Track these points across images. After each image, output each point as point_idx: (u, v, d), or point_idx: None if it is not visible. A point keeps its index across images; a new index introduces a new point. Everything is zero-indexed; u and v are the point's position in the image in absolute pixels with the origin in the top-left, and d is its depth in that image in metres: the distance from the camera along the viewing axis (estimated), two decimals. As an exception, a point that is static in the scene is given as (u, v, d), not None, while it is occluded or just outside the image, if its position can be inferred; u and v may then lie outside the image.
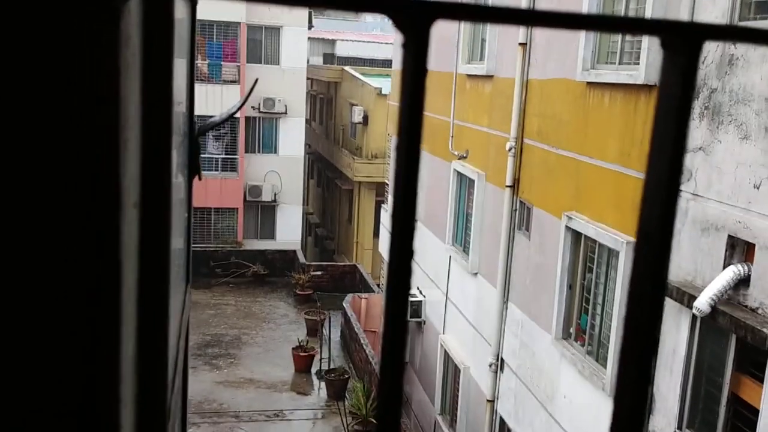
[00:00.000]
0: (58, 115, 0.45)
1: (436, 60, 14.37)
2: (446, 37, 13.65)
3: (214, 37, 26.02)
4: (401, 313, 0.45)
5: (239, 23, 25.80)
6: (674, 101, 0.44)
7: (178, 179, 1.26)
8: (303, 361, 18.01)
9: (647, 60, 7.51)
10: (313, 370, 18.06)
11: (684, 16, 6.99)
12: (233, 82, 25.90)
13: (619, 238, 7.93)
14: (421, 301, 14.79)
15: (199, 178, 1.61)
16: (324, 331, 18.77)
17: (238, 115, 25.78)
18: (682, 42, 0.44)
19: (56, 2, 0.43)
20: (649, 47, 7.50)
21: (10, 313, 0.48)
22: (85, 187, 0.47)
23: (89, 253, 0.48)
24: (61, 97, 0.45)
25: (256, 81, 3.14)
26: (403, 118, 0.42)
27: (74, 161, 0.46)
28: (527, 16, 0.46)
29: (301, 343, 18.30)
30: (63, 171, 0.46)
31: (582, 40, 8.80)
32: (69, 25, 0.43)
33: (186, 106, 1.44)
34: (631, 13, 8.20)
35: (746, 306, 6.17)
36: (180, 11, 1.10)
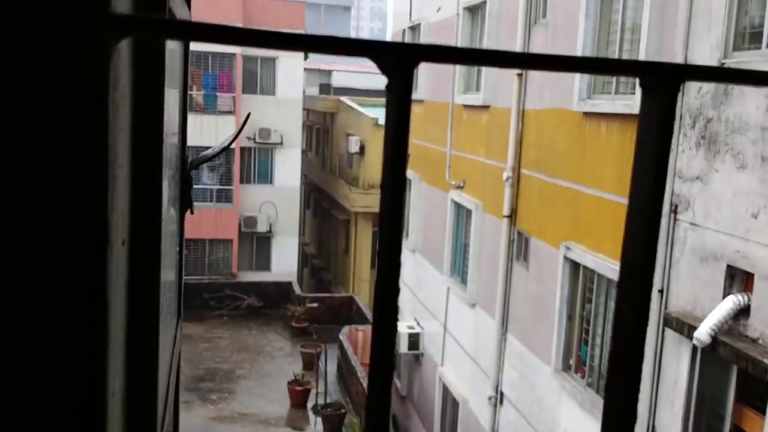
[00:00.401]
0: (45, 154, 0.43)
1: (432, 91, 14.46)
2: (442, 68, 13.75)
3: (210, 68, 26.20)
4: (389, 343, 0.44)
5: (235, 54, 26.01)
6: (653, 141, 0.45)
7: (169, 213, 1.22)
8: (299, 396, 17.80)
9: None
10: (309, 404, 17.84)
11: (678, 46, 7.04)
12: (229, 112, 26.01)
13: (617, 268, 7.88)
14: (418, 333, 14.68)
15: (191, 212, 1.57)
16: (320, 364, 18.59)
17: (233, 145, 25.85)
18: (660, 83, 0.44)
19: (46, 45, 0.41)
20: (644, 78, 7.54)
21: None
22: (72, 226, 0.44)
23: (75, 291, 0.45)
24: (50, 136, 0.43)
25: (248, 115, 3.13)
26: (388, 156, 0.43)
27: (61, 200, 0.44)
28: (509, 59, 0.48)
29: (297, 377, 18.10)
30: (50, 210, 0.44)
31: (577, 70, 8.84)
32: (59, 66, 0.42)
33: (178, 139, 1.41)
34: (626, 44, 8.27)
35: (747, 336, 6.11)
36: (172, 44, 1.07)
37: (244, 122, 2.50)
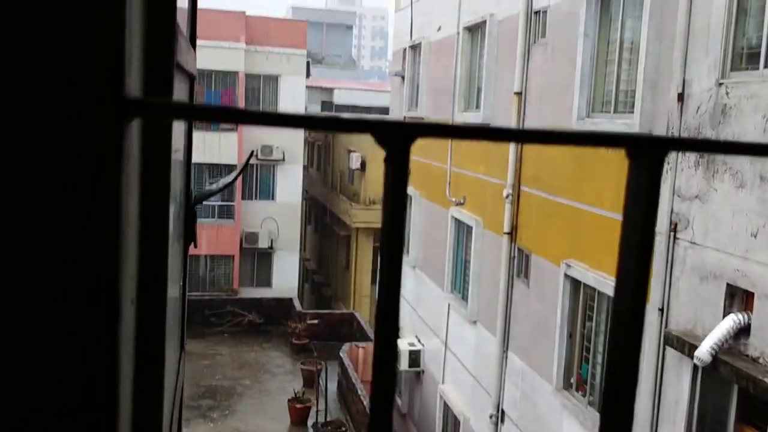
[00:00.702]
0: (62, 228, 0.46)
1: (433, 108, 14.53)
2: (443, 86, 13.83)
3: (213, 85, 26.33)
4: (391, 358, 0.47)
5: (237, 72, 26.13)
6: (640, 208, 0.47)
7: (174, 249, 1.26)
8: (299, 414, 17.72)
9: (642, 108, 7.59)
10: (310, 422, 17.75)
11: (677, 66, 7.09)
12: (231, 130, 26.10)
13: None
14: (419, 350, 14.65)
15: (195, 246, 1.60)
16: (320, 381, 18.53)
17: (235, 162, 25.91)
18: (646, 153, 0.47)
19: (63, 125, 0.44)
20: (643, 96, 7.59)
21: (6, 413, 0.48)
22: (86, 293, 0.47)
23: (87, 358, 0.48)
24: (64, 211, 0.46)
25: (252, 153, 3.18)
26: (386, 224, 0.45)
27: (73, 268, 0.46)
28: (502, 134, 0.51)
29: (297, 395, 18.03)
30: (62, 277, 0.47)
31: (577, 88, 8.91)
32: (76, 148, 0.45)
33: (183, 174, 1.44)
34: (625, 63, 8.32)
35: (747, 355, 6.12)
36: (178, 91, 1.11)
37: (248, 159, 2.54)
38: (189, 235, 1.48)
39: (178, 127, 1.26)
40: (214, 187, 2.52)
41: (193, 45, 1.61)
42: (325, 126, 0.49)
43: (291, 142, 27.29)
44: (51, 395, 0.47)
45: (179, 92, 1.19)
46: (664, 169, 7.22)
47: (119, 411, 0.48)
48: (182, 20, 1.40)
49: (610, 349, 0.55)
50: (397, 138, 0.46)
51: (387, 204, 0.47)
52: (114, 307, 0.47)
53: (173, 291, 1.22)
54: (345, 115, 0.51)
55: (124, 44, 0.44)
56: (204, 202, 27.89)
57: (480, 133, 0.54)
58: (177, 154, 1.25)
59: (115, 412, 0.47)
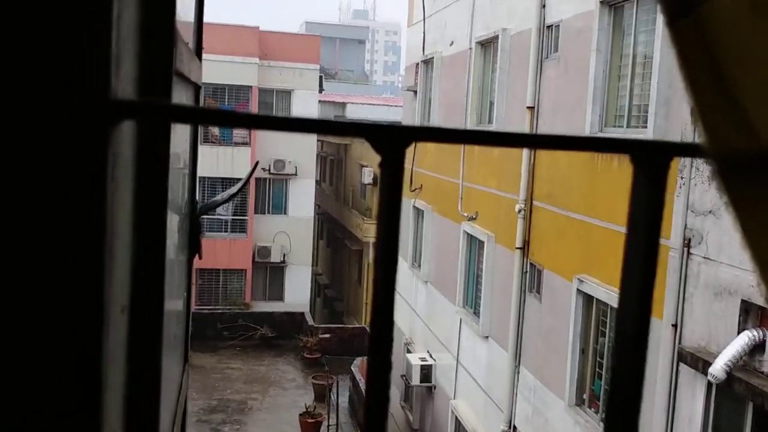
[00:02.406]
0: (42, 232, 0.45)
1: (445, 122, 14.54)
2: (455, 100, 13.85)
3: (226, 100, 26.50)
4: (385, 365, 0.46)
5: (251, 87, 26.30)
6: (644, 215, 0.46)
7: (178, 259, 1.25)
8: (310, 428, 17.65)
9: (655, 122, 7.56)
10: (321, 436, 17.68)
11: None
12: (244, 144, 26.24)
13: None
14: (431, 365, 14.57)
15: (200, 257, 1.59)
16: (332, 396, 18.46)
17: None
18: (650, 159, 0.46)
19: (44, 124, 0.43)
20: (656, 111, 7.56)
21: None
22: (69, 295, 0.46)
23: (70, 360, 0.47)
24: (44, 211, 0.45)
25: (257, 164, 3.19)
26: (381, 228, 0.46)
27: (55, 272, 0.45)
28: (498, 137, 0.51)
29: (309, 409, 17.97)
30: (43, 282, 0.46)
31: (590, 102, 8.89)
32: (58, 150, 0.44)
33: (188, 185, 1.43)
34: (638, 78, 8.30)
35: (762, 372, 6.03)
36: (183, 99, 1.10)
37: (253, 169, 2.55)
38: (194, 247, 1.48)
39: (182, 136, 1.25)
40: (218, 198, 2.52)
41: (199, 56, 1.62)
42: (318, 129, 0.49)
43: (303, 157, 27.38)
44: (26, 404, 0.46)
45: (181, 101, 1.18)
46: (678, 184, 7.19)
47: (102, 422, 0.47)
48: (187, 32, 1.40)
49: (613, 367, 0.53)
50: (391, 142, 0.45)
51: (382, 209, 0.47)
52: (98, 312, 0.46)
53: (175, 302, 1.21)
54: (339, 119, 0.50)
55: (110, 42, 0.43)
56: (216, 216, 28.01)
57: (476, 137, 0.53)
58: (180, 163, 1.24)
59: (98, 423, 0.46)
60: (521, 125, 10.79)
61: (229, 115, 0.46)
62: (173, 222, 1.02)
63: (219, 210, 26.68)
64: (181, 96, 1.07)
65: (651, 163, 0.47)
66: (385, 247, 0.46)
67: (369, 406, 0.44)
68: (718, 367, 6.13)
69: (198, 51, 1.59)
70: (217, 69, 24.58)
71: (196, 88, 1.41)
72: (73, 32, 0.42)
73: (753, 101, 0.45)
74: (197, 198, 1.65)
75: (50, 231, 0.44)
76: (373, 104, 38.24)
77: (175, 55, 0.77)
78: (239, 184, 2.30)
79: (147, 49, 0.65)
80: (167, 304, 0.85)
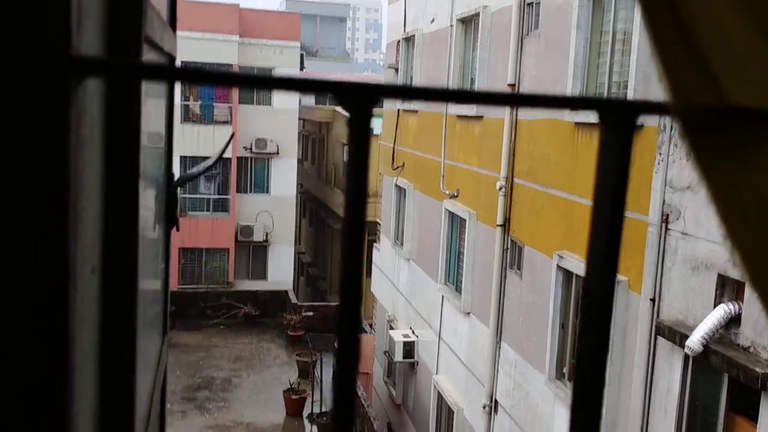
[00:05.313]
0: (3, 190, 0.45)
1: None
2: (436, 78, 13.81)
3: (207, 78, 26.23)
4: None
5: (231, 65, 26.05)
6: (611, 172, 0.47)
7: (155, 231, 1.25)
8: (295, 404, 17.77)
9: (634, 98, 7.58)
10: (305, 413, 17.81)
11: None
12: (225, 122, 26.04)
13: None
14: (413, 342, 14.68)
15: (177, 229, 1.60)
16: (316, 372, 18.57)
17: (230, 155, 25.88)
18: (617, 118, 0.47)
19: (6, 87, 0.43)
20: (636, 87, 7.60)
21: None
22: (33, 255, 0.46)
23: (36, 322, 0.47)
24: (9, 174, 0.45)
25: (233, 135, 3.18)
26: (349, 186, 0.46)
27: (18, 233, 0.46)
28: (464, 96, 0.51)
29: (293, 386, 18.07)
30: (5, 236, 0.46)
31: (570, 78, 8.91)
32: (20, 107, 0.44)
33: (164, 156, 1.43)
34: (617, 54, 8.32)
35: (738, 345, 6.15)
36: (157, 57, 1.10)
37: (228, 141, 2.54)
38: (170, 218, 1.48)
39: (158, 107, 1.25)
40: (195, 170, 2.52)
41: (173, 28, 1.61)
42: (286, 86, 0.49)
43: (285, 136, 27.25)
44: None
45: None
46: (656, 161, 7.25)
47: (71, 380, 0.48)
48: (160, 3, 1.39)
49: (581, 322, 0.55)
50: (359, 98, 0.46)
51: (350, 168, 0.47)
52: (62, 270, 0.47)
53: (152, 272, 1.21)
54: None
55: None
56: (199, 196, 27.81)
57: (442, 95, 0.54)
58: (154, 133, 1.24)
59: (65, 379, 0.47)
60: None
61: (192, 73, 0.46)
62: (147, 189, 1.02)
63: (201, 189, 26.54)
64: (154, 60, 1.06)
65: (618, 122, 0.48)
66: (353, 208, 0.47)
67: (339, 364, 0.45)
68: (695, 340, 6.23)
69: (172, 23, 1.59)
70: (196, 47, 24.30)
71: (171, 59, 1.41)
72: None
73: (716, 56, 0.46)
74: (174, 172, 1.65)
75: (10, 184, 0.44)
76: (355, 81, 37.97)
77: (145, 21, 0.77)
78: (215, 156, 2.30)
79: (114, 11, 0.65)
80: (143, 271, 0.85)
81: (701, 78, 0.47)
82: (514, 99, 0.54)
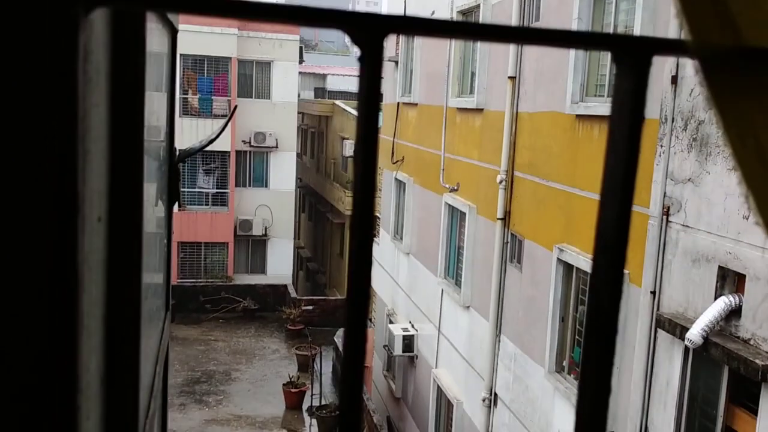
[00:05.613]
0: (7, 124, 0.44)
1: (426, 94, 14.49)
2: (437, 72, 13.79)
3: (205, 71, 26.20)
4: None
5: (230, 58, 26.01)
6: (626, 115, 0.45)
7: (157, 205, 1.24)
8: (294, 398, 17.79)
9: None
10: (305, 406, 17.82)
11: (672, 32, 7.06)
12: (224, 116, 26.00)
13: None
14: (413, 335, 14.68)
15: (179, 206, 1.58)
16: (315, 366, 18.59)
17: (228, 149, 25.85)
18: (632, 56, 0.45)
19: (11, 17, 0.42)
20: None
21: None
22: (40, 195, 0.45)
23: (44, 260, 0.46)
24: (11, 106, 0.44)
25: (235, 108, 3.16)
26: (360, 127, 0.44)
27: (27, 170, 0.45)
28: (475, 30, 0.49)
29: (292, 379, 18.09)
30: (14, 181, 0.45)
31: (570, 73, 8.89)
32: (21, 35, 0.43)
33: (166, 132, 1.42)
34: (621, 18, 8.29)
35: (738, 337, 6.14)
36: (159, 42, 1.08)
37: (231, 114, 2.52)
38: (173, 194, 1.47)
39: (159, 98, 1.23)
40: (196, 144, 2.51)
41: None
42: (292, 19, 0.46)
43: (284, 129, 27.22)
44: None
45: (160, 42, 1.16)
46: (657, 152, 7.23)
47: (78, 326, 0.47)
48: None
49: (588, 309, 0.52)
50: (370, 30, 0.44)
51: (361, 107, 0.45)
52: (71, 208, 0.45)
53: (157, 244, 1.20)
54: (314, 7, 0.48)
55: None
56: (198, 190, 27.76)
57: (458, 30, 0.50)
58: (158, 113, 1.22)
59: (74, 325, 0.46)
60: (503, 95, 10.77)
61: (203, 1, 0.44)
62: (153, 166, 1.01)
63: (200, 183, 26.51)
64: (158, 34, 1.05)
65: (633, 60, 0.46)
66: (364, 143, 0.45)
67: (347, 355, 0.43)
68: (695, 332, 6.23)
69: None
70: (196, 40, 24.24)
71: (173, 31, 1.39)
72: None
73: None
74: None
75: (17, 118, 0.43)
76: (354, 75, 37.96)
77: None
78: (217, 130, 2.28)
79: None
80: (148, 232, 0.84)
81: (721, 22, 0.46)
82: (531, 35, 0.51)
